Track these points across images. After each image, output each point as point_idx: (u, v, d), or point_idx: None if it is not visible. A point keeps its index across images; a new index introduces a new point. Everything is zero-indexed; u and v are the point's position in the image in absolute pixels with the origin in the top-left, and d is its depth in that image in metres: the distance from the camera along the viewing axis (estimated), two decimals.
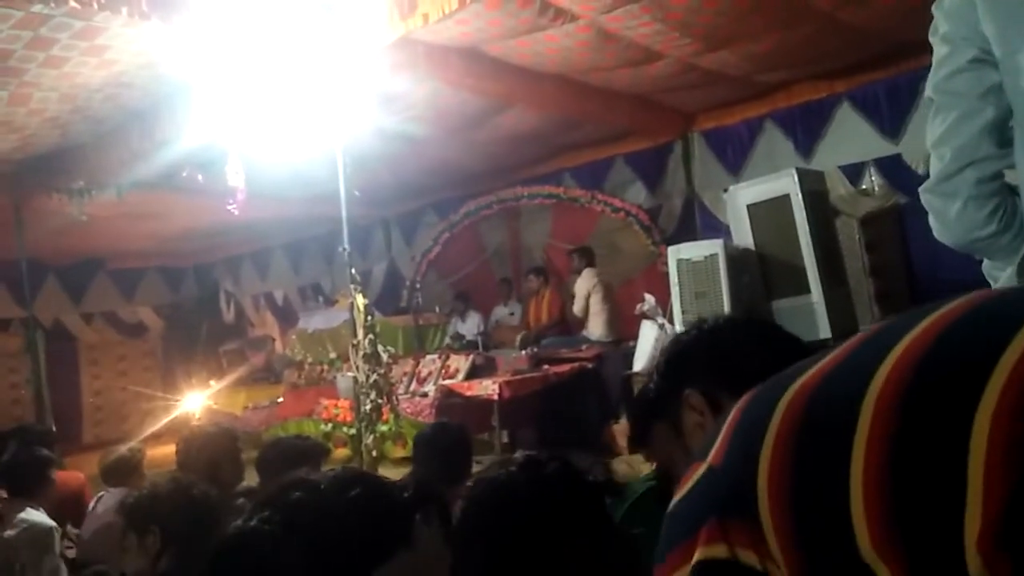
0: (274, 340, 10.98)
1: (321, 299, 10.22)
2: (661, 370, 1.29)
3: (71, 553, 3.70)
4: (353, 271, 5.34)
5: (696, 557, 0.62)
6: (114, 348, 12.42)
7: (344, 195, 5.19)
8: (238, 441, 3.22)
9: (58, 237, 8.90)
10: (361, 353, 5.17)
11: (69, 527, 3.86)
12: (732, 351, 1.22)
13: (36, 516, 3.27)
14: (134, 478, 4.00)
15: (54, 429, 7.46)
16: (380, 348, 5.20)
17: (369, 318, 5.24)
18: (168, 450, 9.87)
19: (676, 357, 1.28)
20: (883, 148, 7.13)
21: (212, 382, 10.05)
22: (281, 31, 4.57)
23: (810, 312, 6.00)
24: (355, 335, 5.26)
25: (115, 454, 4.08)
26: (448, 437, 2.59)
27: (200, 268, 12.54)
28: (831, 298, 6.00)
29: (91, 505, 3.96)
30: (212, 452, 3.06)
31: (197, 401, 9.90)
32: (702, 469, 0.66)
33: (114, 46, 4.74)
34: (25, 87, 5.17)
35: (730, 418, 0.67)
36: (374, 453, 5.19)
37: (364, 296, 5.34)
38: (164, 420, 10.40)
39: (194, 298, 12.64)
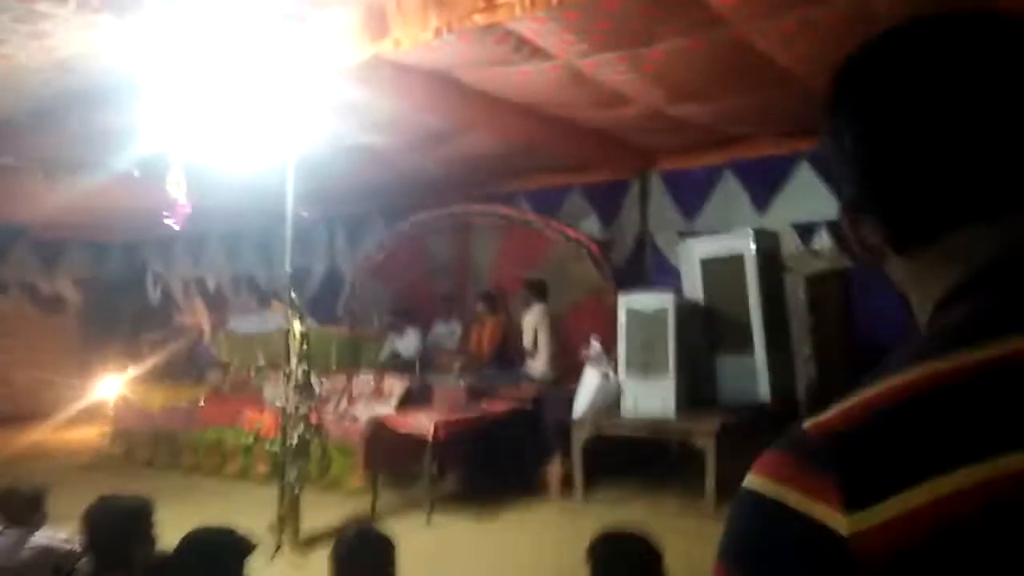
0: (202, 332, 10.55)
1: (255, 298, 9.85)
2: None
3: None
4: (294, 295, 5.11)
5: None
6: (29, 321, 11.78)
7: (291, 212, 4.95)
8: (152, 516, 2.95)
9: None
10: (292, 383, 4.94)
11: None
12: None
13: None
14: (35, 518, 3.68)
15: None
16: (313, 380, 4.98)
17: (304, 346, 5.00)
18: (82, 434, 9.50)
19: None
20: (836, 211, 7.17)
21: (130, 369, 9.59)
22: (242, 40, 4.29)
23: (752, 372, 6.02)
24: (287, 362, 5.03)
25: (16, 490, 3.76)
26: (369, 549, 2.39)
27: (129, 245, 11.97)
28: (774, 361, 6.03)
29: None
30: (122, 531, 2.80)
31: (113, 388, 9.46)
32: None
33: (57, 33, 4.40)
34: None
35: None
36: (296, 491, 4.96)
37: (302, 321, 5.11)
38: (78, 404, 9.94)
39: (119, 275, 12.06)
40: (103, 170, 6.13)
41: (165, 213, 5.05)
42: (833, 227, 7.23)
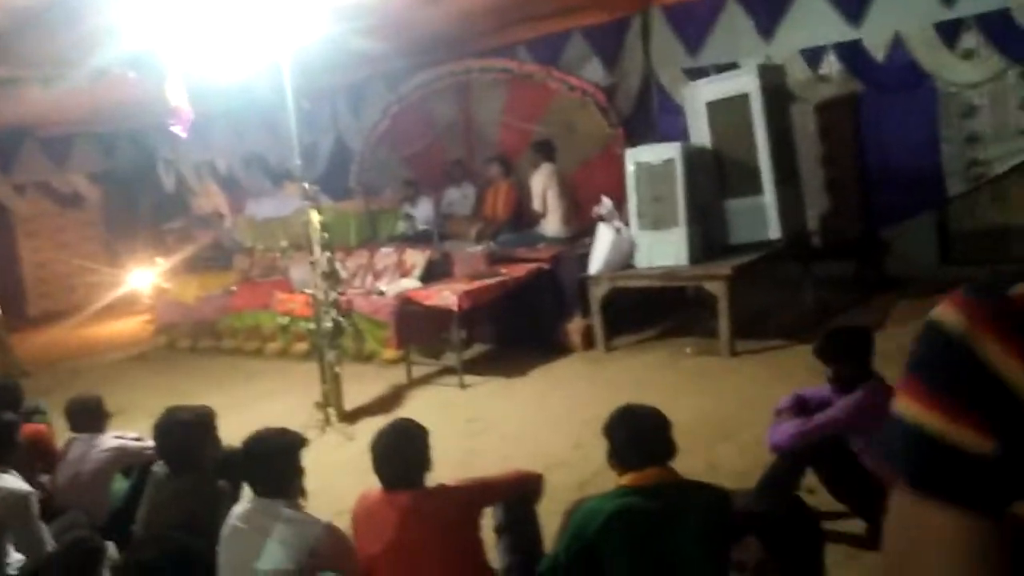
0: (222, 216, 10.71)
1: (268, 179, 9.89)
2: None
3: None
4: (306, 185, 5.20)
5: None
6: (52, 219, 11.98)
7: (293, 107, 4.95)
8: (215, 422, 3.23)
9: None
10: (319, 271, 5.14)
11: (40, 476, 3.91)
12: None
13: (11, 481, 3.30)
14: (101, 423, 4.02)
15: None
16: (338, 266, 5.17)
17: (325, 235, 5.16)
18: (124, 327, 9.94)
19: None
20: (844, 32, 6.98)
21: (158, 259, 9.87)
22: None
23: (761, 212, 6.11)
24: (311, 251, 5.21)
25: (80, 400, 4.07)
26: (404, 441, 2.64)
27: (135, 135, 11.90)
28: (783, 199, 6.09)
29: (62, 449, 4.00)
30: (191, 439, 3.08)
31: (146, 280, 9.78)
32: None
33: None
34: None
35: None
36: (336, 369, 5.29)
37: (319, 211, 5.23)
38: (112, 295, 10.32)
39: (131, 166, 12.09)
40: (99, 73, 6.07)
41: (171, 121, 5.06)
42: (841, 50, 7.06)
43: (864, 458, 3.07)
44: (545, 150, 6.89)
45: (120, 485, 3.90)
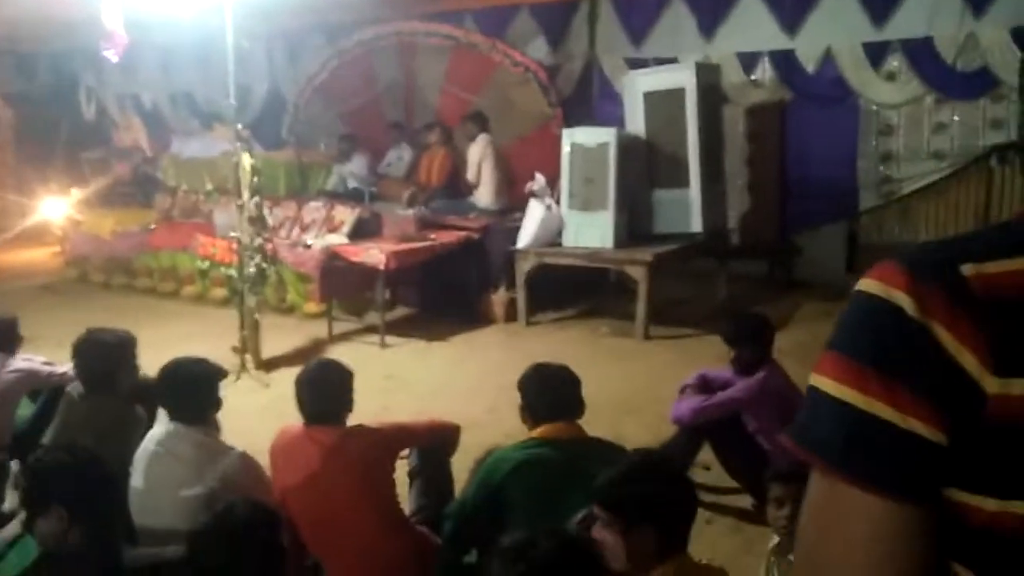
0: (143, 152, 10.36)
1: (196, 119, 9.61)
2: None
3: None
4: (240, 128, 5.14)
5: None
6: None
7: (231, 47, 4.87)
8: (135, 347, 3.22)
9: None
10: (246, 216, 5.10)
11: None
12: None
13: None
14: (13, 345, 3.92)
15: None
16: (266, 212, 5.14)
17: (255, 179, 5.12)
18: (33, 256, 9.54)
19: None
20: (780, 41, 7.29)
21: (73, 190, 9.50)
22: None
23: (686, 205, 6.34)
24: (239, 195, 5.16)
25: None
26: (331, 376, 2.72)
27: (56, 56, 11.36)
28: (708, 195, 6.34)
29: None
30: (109, 360, 3.07)
31: (59, 210, 9.41)
32: None
33: None
34: None
35: None
36: (256, 316, 5.27)
37: (251, 155, 5.18)
38: (19, 223, 9.89)
39: (50, 89, 11.55)
40: None
41: (103, 45, 4.91)
42: (775, 57, 7.37)
43: (758, 438, 3.30)
44: (480, 121, 6.96)
45: (25, 411, 3.84)
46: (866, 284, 0.66)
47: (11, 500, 2.91)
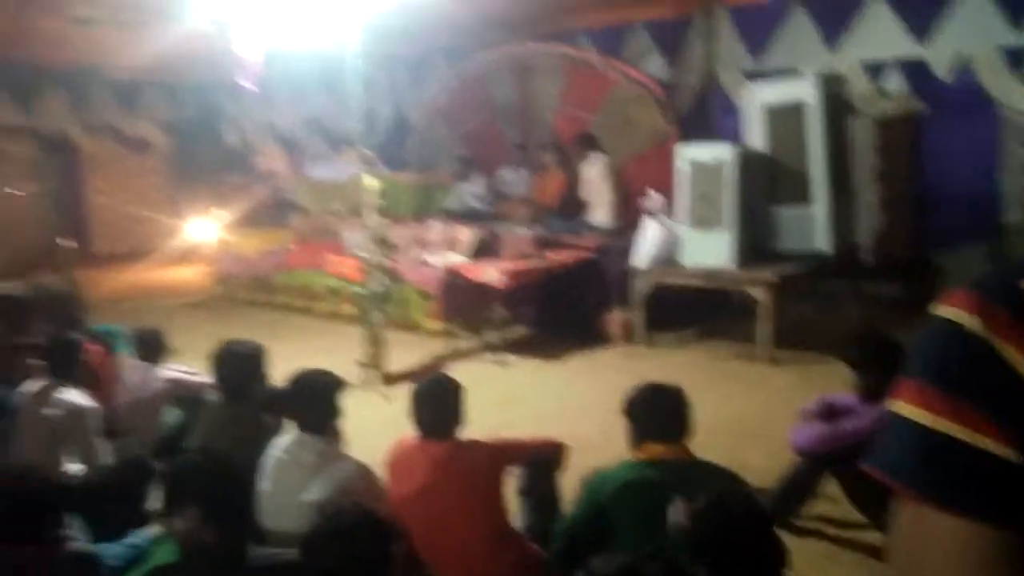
0: (279, 175, 11.01)
1: (327, 143, 10.11)
2: None
3: None
4: (365, 150, 5.39)
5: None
6: (118, 162, 12.39)
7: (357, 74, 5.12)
8: (265, 357, 3.45)
9: (57, 44, 8.68)
10: (371, 236, 5.34)
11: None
12: None
13: (75, 396, 3.56)
14: (160, 355, 4.27)
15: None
16: (390, 232, 5.37)
17: (380, 200, 5.35)
18: (182, 275, 10.31)
19: None
20: (909, 48, 6.93)
21: (215, 211, 10.20)
22: None
23: (811, 222, 6.13)
24: (365, 216, 5.41)
25: (147, 330, 4.34)
26: (443, 391, 2.81)
27: (202, 87, 12.25)
28: (834, 211, 6.11)
29: (121, 375, 4.26)
30: (244, 370, 3.30)
31: (208, 230, 10.12)
32: None
33: None
34: None
35: None
36: (381, 332, 5.49)
37: (376, 177, 5.42)
38: (175, 244, 10.74)
39: (196, 118, 12.47)
40: (173, 22, 6.30)
41: (238, 75, 5.27)
42: (905, 66, 7.03)
43: None
44: (589, 141, 7.00)
45: (170, 416, 4.17)
46: (938, 309, 0.68)
47: (156, 500, 3.16)
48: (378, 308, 5.47)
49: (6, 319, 4.54)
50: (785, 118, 6.19)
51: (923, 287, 7.05)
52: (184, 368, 4.37)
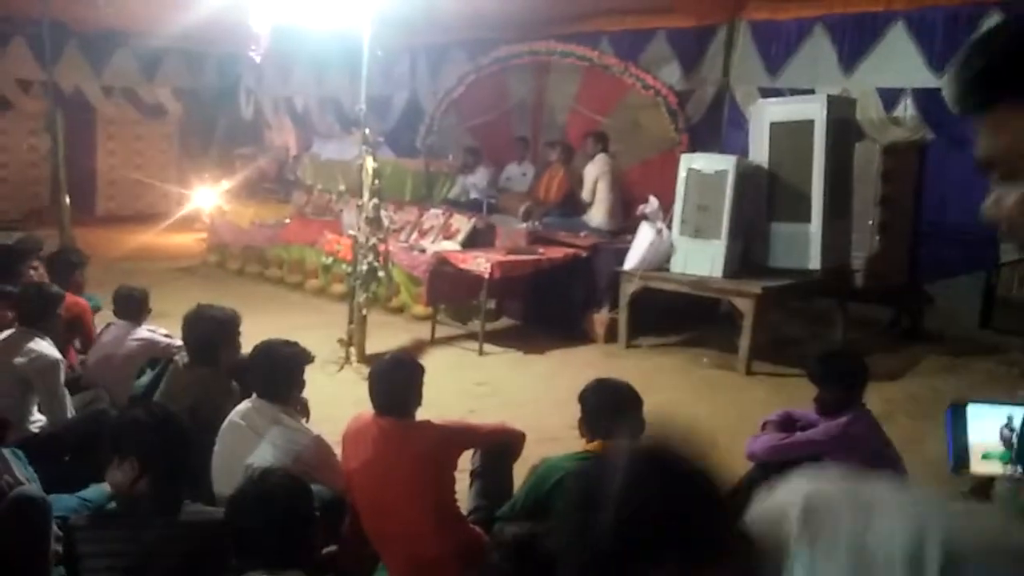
0: (289, 152, 11.05)
1: (339, 123, 10.16)
2: None
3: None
4: (368, 132, 5.42)
5: None
6: (132, 126, 12.47)
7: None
8: (239, 327, 3.46)
9: (82, 4, 8.72)
10: (364, 216, 5.36)
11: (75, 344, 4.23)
12: None
13: (44, 347, 3.58)
14: (140, 315, 4.30)
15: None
16: (383, 214, 5.38)
17: (376, 182, 5.37)
18: (180, 240, 10.37)
19: None
20: (925, 79, 6.92)
21: (224, 181, 10.24)
22: None
23: (805, 241, 6.13)
24: (360, 196, 5.43)
25: (129, 289, 4.36)
26: (401, 371, 2.82)
27: (223, 57, 12.31)
28: (829, 232, 6.10)
29: (98, 332, 4.30)
30: (214, 335, 3.32)
31: (209, 199, 10.17)
32: None
33: None
34: None
35: None
36: (364, 312, 5.52)
37: (375, 157, 5.45)
38: (177, 211, 10.79)
39: (215, 88, 12.53)
40: None
41: (251, 47, 5.32)
42: (919, 95, 7.00)
43: None
44: (602, 140, 7.02)
45: (143, 379, 4.19)
46: None
47: None
48: (364, 288, 5.49)
49: None
50: (790, 136, 6.17)
51: (912, 315, 7.05)
52: (163, 331, 4.40)
